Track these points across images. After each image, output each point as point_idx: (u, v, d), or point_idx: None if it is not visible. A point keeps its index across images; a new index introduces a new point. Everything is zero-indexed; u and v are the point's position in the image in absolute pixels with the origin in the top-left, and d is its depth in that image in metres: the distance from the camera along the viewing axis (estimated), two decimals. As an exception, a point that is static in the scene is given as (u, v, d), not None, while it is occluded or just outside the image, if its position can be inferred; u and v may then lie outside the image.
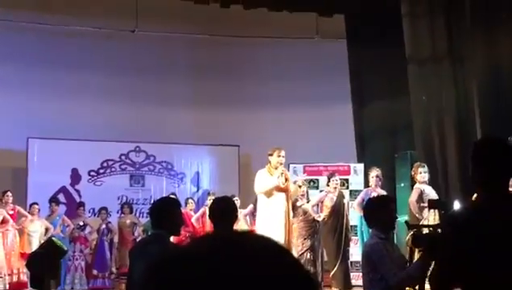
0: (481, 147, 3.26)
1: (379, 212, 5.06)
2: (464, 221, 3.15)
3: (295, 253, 10.36)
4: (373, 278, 4.94)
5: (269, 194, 9.43)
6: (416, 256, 4.98)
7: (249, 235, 0.91)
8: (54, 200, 13.41)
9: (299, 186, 10.73)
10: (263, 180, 9.46)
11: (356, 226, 11.83)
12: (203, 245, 0.87)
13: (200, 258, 0.83)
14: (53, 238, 10.59)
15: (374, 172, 11.11)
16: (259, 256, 0.84)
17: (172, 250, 0.90)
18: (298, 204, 11.11)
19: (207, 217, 12.02)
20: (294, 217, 11.17)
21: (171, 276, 0.82)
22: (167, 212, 4.91)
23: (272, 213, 9.32)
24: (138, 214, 13.99)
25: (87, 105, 14.83)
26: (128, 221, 13.17)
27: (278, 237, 8.45)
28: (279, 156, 9.37)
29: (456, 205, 10.09)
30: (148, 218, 13.07)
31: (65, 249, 9.57)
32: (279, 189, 9.36)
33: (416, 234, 4.63)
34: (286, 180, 9.46)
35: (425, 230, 4.92)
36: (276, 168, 9.32)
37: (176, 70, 15.55)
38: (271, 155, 9.49)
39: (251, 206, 11.40)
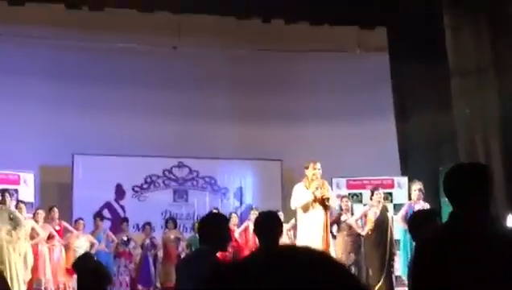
0: (448, 173, 3.27)
1: (425, 225, 5.00)
2: (437, 246, 3.08)
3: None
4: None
5: (305, 209, 9.42)
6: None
7: (299, 248, 0.91)
8: (98, 215, 13.56)
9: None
10: (297, 195, 9.47)
11: (399, 240, 11.71)
12: (255, 260, 0.87)
13: (254, 272, 0.82)
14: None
15: (416, 186, 11.03)
16: (311, 268, 0.84)
17: (224, 265, 0.90)
18: (342, 218, 11.05)
19: (250, 231, 12.03)
20: (338, 231, 11.12)
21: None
22: (216, 227, 4.88)
23: (310, 226, 9.30)
24: (181, 229, 14.06)
25: (130, 122, 14.95)
26: (172, 236, 13.22)
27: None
28: (315, 169, 9.39)
29: (510, 220, 9.93)
30: (192, 233, 13.18)
31: (91, 253, 9.76)
32: (318, 202, 9.33)
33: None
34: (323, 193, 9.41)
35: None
36: (312, 181, 9.33)
37: (218, 85, 15.59)
38: (307, 168, 9.51)
39: (293, 221, 11.37)
